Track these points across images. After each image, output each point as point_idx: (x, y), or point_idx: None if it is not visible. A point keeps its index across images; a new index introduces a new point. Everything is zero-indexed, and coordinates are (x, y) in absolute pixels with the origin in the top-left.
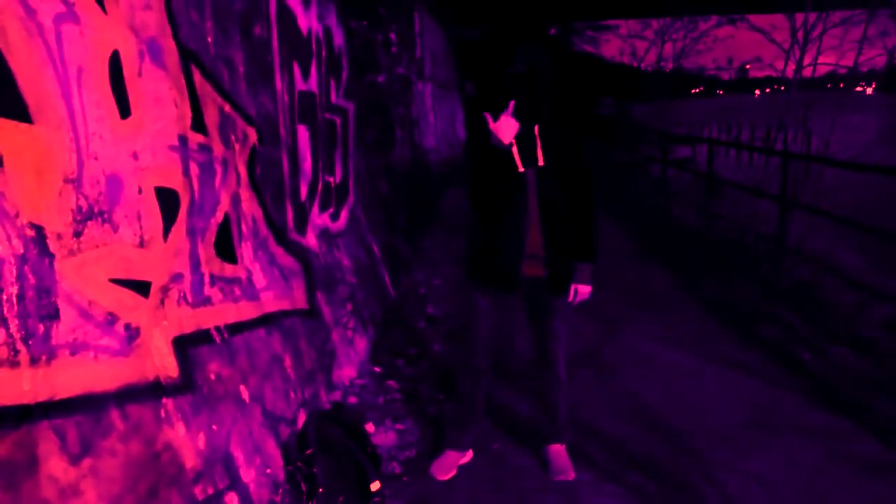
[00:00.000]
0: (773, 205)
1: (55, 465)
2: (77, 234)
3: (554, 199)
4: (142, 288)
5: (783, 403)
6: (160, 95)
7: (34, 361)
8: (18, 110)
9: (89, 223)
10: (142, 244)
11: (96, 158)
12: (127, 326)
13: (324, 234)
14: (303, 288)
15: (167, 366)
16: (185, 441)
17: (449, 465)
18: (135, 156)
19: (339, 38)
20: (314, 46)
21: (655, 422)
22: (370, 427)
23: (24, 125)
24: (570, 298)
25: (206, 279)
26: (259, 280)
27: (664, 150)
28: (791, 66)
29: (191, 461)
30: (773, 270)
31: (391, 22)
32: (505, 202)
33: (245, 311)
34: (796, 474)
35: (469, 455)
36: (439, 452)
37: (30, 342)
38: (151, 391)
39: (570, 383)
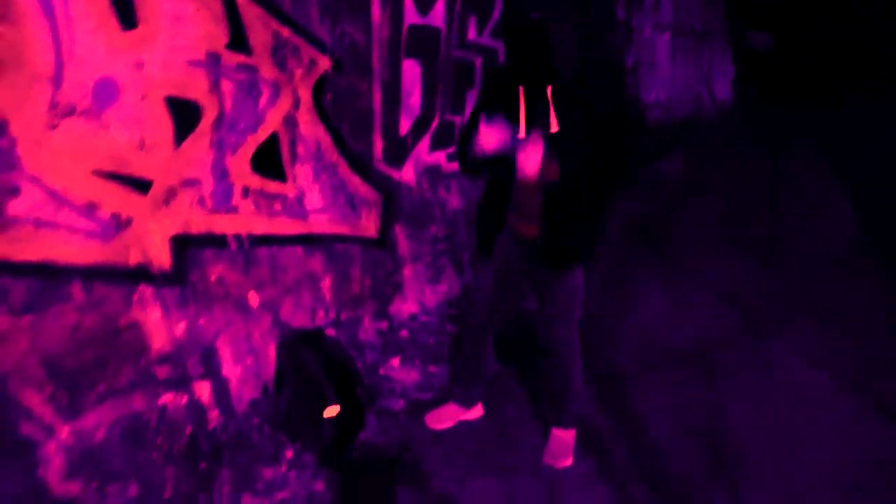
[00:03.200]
0: None
1: None
2: (52, 127)
3: (561, 174)
4: (138, 185)
5: None
6: (180, 14)
7: None
8: None
9: (68, 119)
10: (142, 147)
11: (83, 61)
12: (114, 215)
13: (430, 172)
14: (376, 218)
15: (159, 257)
16: (158, 325)
17: (445, 417)
18: (139, 65)
19: None
20: None
21: (721, 447)
22: (395, 361)
23: None
24: None
25: (237, 190)
26: (313, 201)
27: None
28: None
29: (159, 343)
30: None
31: None
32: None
33: (281, 226)
34: None
35: (476, 412)
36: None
37: None
38: (128, 275)
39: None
